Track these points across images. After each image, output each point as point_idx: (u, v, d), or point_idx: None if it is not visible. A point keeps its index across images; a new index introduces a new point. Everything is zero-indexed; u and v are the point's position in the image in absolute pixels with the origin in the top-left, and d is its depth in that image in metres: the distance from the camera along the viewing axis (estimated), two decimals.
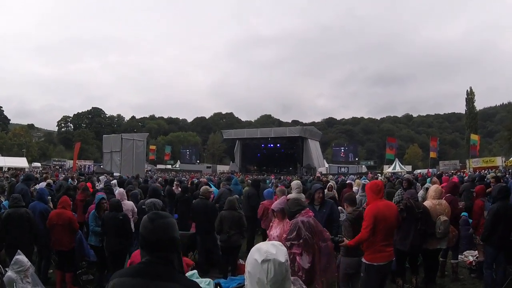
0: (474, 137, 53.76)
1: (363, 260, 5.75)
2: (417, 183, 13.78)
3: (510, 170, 29.74)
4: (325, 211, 7.14)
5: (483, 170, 33.87)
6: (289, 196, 8.10)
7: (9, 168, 50.30)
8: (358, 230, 5.87)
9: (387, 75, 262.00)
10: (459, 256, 8.74)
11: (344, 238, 6.10)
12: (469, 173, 28.63)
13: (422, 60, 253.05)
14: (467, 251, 9.11)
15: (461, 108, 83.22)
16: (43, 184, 10.98)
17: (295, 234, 5.20)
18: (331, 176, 27.52)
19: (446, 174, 25.55)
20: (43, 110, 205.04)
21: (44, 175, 14.77)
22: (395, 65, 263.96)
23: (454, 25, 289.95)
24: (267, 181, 21.53)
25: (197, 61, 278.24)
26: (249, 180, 17.81)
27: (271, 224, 6.44)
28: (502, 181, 13.09)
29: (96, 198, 8.47)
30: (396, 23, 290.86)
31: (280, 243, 2.24)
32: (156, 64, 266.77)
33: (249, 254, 2.15)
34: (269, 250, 2.07)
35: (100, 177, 17.54)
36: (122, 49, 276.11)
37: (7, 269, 5.70)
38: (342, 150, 75.35)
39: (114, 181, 14.11)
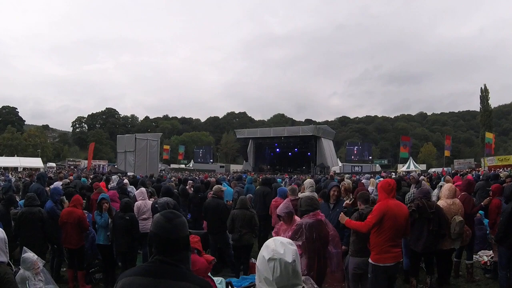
0: (489, 135, 53.22)
1: (370, 260, 5.71)
2: (422, 179, 13.70)
3: None
4: (338, 210, 7.09)
5: (498, 169, 33.42)
6: (302, 194, 8.10)
7: (24, 168, 50.84)
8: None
9: (401, 74, 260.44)
10: (474, 256, 8.63)
11: (344, 216, 6.23)
12: (484, 171, 28.31)
13: (437, 58, 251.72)
14: (482, 251, 9.01)
15: (475, 106, 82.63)
16: (57, 184, 11.06)
17: (298, 235, 5.16)
18: (347, 175, 27.34)
19: (461, 173, 25.33)
20: (58, 111, 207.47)
21: (60, 174, 14.87)
22: (410, 63, 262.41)
23: (469, 22, 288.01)
24: (279, 180, 21.50)
25: (211, 61, 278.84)
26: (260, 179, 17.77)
27: (277, 227, 6.39)
28: None
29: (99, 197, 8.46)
30: (411, 21, 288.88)
31: (291, 241, 2.22)
32: (169, 64, 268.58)
33: (261, 249, 2.16)
34: (276, 249, 2.06)
35: (113, 177, 17.59)
36: (136, 50, 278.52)
37: (20, 267, 5.74)
38: (355, 149, 75.04)
39: (126, 180, 14.19)
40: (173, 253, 2.25)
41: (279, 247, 2.08)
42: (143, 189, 9.83)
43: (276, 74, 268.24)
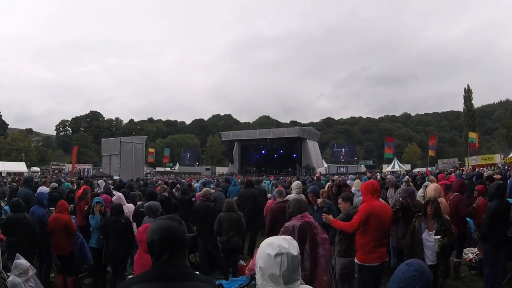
0: (473, 135, 53.92)
1: (356, 260, 5.77)
2: (407, 179, 13.84)
3: (506, 167, 29.74)
4: (324, 210, 7.15)
5: (481, 168, 33.84)
6: (289, 196, 8.14)
7: (8, 173, 50.24)
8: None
9: (388, 75, 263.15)
10: None
11: (330, 216, 6.32)
12: (468, 170, 28.66)
13: (423, 60, 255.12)
14: (467, 248, 9.13)
15: (460, 107, 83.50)
16: (43, 189, 10.97)
17: None
18: (336, 176, 27.48)
19: (446, 172, 25.60)
20: (43, 114, 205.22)
21: (43, 179, 14.72)
22: (397, 65, 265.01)
23: (455, 25, 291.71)
24: (267, 182, 21.56)
25: (199, 63, 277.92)
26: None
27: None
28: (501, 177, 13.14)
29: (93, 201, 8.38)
30: (399, 24, 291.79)
31: (291, 237, 2.29)
32: (157, 66, 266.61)
33: (260, 249, 2.19)
34: (281, 244, 2.13)
35: (99, 181, 17.48)
36: (123, 52, 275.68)
37: (8, 273, 5.70)
38: (343, 151, 75.37)
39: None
40: (176, 256, 2.25)
41: (283, 242, 2.15)
42: (120, 194, 9.83)
43: (264, 76, 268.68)
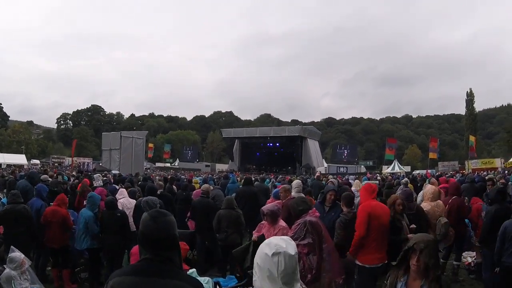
0: (472, 139, 53.86)
1: (357, 261, 5.77)
2: (406, 181, 13.80)
3: (506, 172, 29.71)
4: (333, 214, 7.10)
5: (482, 172, 33.81)
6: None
7: (8, 165, 50.24)
8: (350, 232, 5.92)
9: (394, 76, 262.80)
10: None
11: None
12: (468, 173, 28.61)
13: (428, 62, 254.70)
14: (466, 252, 9.12)
15: (462, 110, 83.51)
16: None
17: (302, 234, 5.19)
18: (330, 176, 27.49)
19: (446, 176, 25.57)
20: (47, 107, 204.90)
21: (45, 173, 14.71)
22: (402, 66, 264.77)
23: (461, 28, 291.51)
24: (266, 180, 21.51)
25: (204, 59, 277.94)
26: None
27: (259, 226, 6.42)
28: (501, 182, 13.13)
29: (96, 199, 8.27)
30: (405, 25, 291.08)
31: (289, 237, 2.29)
32: (162, 61, 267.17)
33: (258, 249, 2.18)
34: (279, 244, 2.11)
35: (95, 175, 17.39)
36: (128, 45, 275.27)
37: (5, 266, 5.68)
38: (346, 152, 75.24)
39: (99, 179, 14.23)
40: (161, 252, 2.25)
41: (280, 242, 2.14)
42: (123, 190, 9.83)
43: (269, 74, 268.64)
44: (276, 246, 2.09)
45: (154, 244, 2.25)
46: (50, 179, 12.15)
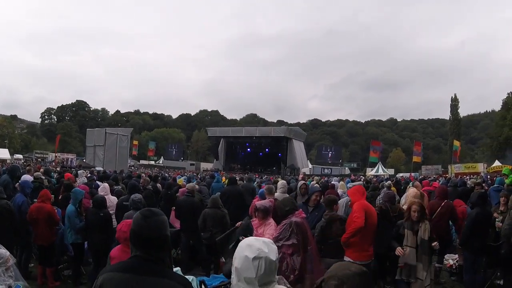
0: (456, 143, 54.48)
1: (348, 258, 5.81)
2: (389, 184, 13.89)
3: (488, 176, 30.06)
4: (317, 214, 7.18)
5: (464, 176, 34.20)
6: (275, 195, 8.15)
7: None
8: (328, 234, 6.05)
9: (381, 81, 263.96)
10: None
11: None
12: (451, 177, 28.90)
13: (415, 68, 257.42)
14: (448, 254, 9.22)
15: (446, 115, 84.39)
16: (26, 177, 10.82)
17: (287, 234, 5.21)
18: (316, 177, 27.57)
19: (429, 179, 25.81)
20: (32, 101, 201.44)
21: (27, 167, 14.49)
22: (390, 71, 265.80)
23: (450, 35, 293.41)
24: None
25: (193, 58, 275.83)
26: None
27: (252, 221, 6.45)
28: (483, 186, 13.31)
29: (78, 194, 8.23)
30: (395, 31, 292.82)
31: (271, 240, 2.28)
32: (150, 59, 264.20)
33: (238, 249, 2.18)
34: (261, 248, 2.11)
35: (79, 172, 17.24)
36: (116, 42, 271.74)
37: None
38: (330, 154, 75.52)
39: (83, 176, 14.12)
40: (152, 251, 2.26)
41: (263, 246, 2.13)
42: (106, 184, 9.77)
43: (258, 75, 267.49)
44: (258, 250, 2.09)
45: (144, 243, 2.27)
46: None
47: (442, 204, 8.31)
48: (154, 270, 2.22)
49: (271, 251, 2.12)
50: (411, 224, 6.04)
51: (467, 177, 30.46)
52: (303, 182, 8.12)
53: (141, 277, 2.18)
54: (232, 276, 2.17)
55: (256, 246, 2.11)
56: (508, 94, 64.55)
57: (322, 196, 7.80)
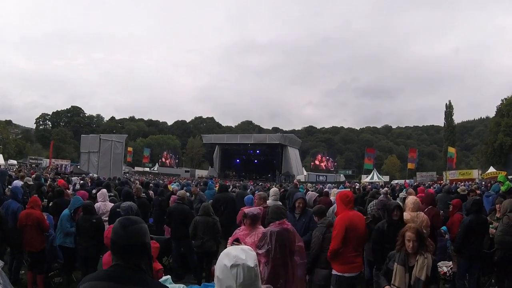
0: (451, 150, 54.69)
1: (334, 272, 5.76)
2: (386, 191, 13.90)
3: (483, 183, 30.14)
4: (304, 220, 7.17)
5: (459, 182, 34.28)
6: (267, 203, 8.11)
7: None
8: (327, 239, 5.93)
9: (375, 88, 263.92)
10: None
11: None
12: (446, 184, 28.97)
13: (410, 75, 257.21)
14: (442, 261, 9.19)
15: (441, 122, 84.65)
16: (18, 183, 10.75)
17: (263, 242, 5.15)
18: (310, 184, 27.56)
19: (424, 186, 25.85)
20: (25, 106, 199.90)
21: (21, 173, 14.43)
22: (384, 78, 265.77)
23: (444, 43, 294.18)
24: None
25: (187, 64, 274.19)
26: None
27: (237, 232, 6.36)
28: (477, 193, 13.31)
29: (76, 201, 8.17)
30: (389, 39, 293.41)
31: (250, 247, 2.27)
32: (144, 64, 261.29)
33: (218, 259, 2.16)
34: (238, 255, 2.09)
35: (73, 178, 17.18)
36: (110, 47, 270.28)
37: None
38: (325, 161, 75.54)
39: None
40: (131, 259, 2.25)
41: (240, 253, 2.11)
42: (104, 190, 9.71)
43: (252, 81, 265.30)
44: (235, 257, 2.07)
45: (124, 252, 2.26)
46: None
47: (426, 210, 8.26)
48: (133, 278, 2.21)
49: (249, 257, 2.10)
50: (403, 256, 4.71)
51: (462, 183, 30.53)
52: (301, 198, 7.78)
53: (121, 286, 2.16)
54: (215, 287, 2.15)
55: (232, 254, 2.10)
56: (502, 100, 65.16)
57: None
